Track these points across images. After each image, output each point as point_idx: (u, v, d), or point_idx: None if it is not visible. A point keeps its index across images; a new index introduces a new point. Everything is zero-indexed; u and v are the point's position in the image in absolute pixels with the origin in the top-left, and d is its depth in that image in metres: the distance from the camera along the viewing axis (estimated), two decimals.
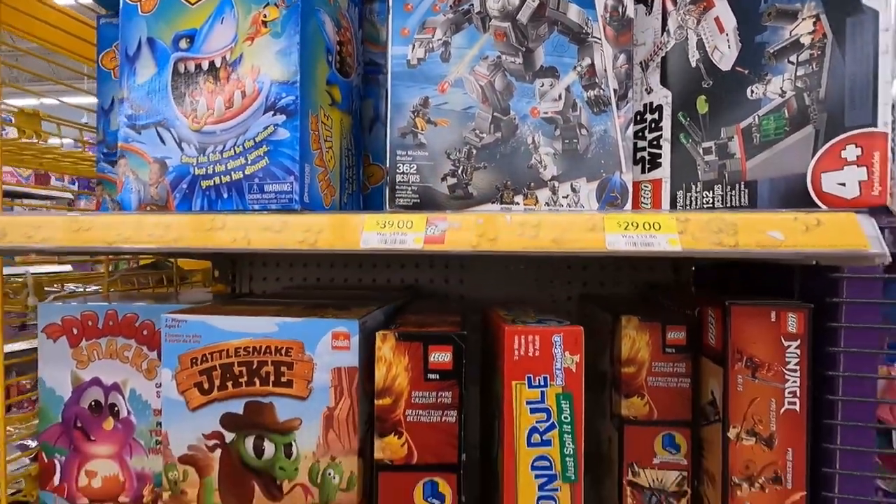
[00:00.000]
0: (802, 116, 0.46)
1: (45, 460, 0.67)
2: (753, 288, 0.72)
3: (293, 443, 0.55)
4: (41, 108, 0.78)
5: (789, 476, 0.55)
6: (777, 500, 0.55)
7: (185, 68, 0.56)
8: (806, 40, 0.46)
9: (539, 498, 0.49)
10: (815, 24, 0.45)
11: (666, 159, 0.56)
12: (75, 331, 0.67)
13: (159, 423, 0.66)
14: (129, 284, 0.93)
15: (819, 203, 0.45)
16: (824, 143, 0.45)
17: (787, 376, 0.54)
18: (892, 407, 0.62)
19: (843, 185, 0.44)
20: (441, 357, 0.50)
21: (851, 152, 0.43)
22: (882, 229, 0.42)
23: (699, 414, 0.61)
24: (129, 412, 0.66)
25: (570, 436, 0.49)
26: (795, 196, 0.46)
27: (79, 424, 0.67)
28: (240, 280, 1.04)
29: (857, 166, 0.43)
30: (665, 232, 0.44)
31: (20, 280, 0.72)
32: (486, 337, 0.64)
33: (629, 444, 0.62)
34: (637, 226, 0.45)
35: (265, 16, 0.54)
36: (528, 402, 0.49)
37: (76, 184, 1.92)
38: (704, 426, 0.61)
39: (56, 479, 0.67)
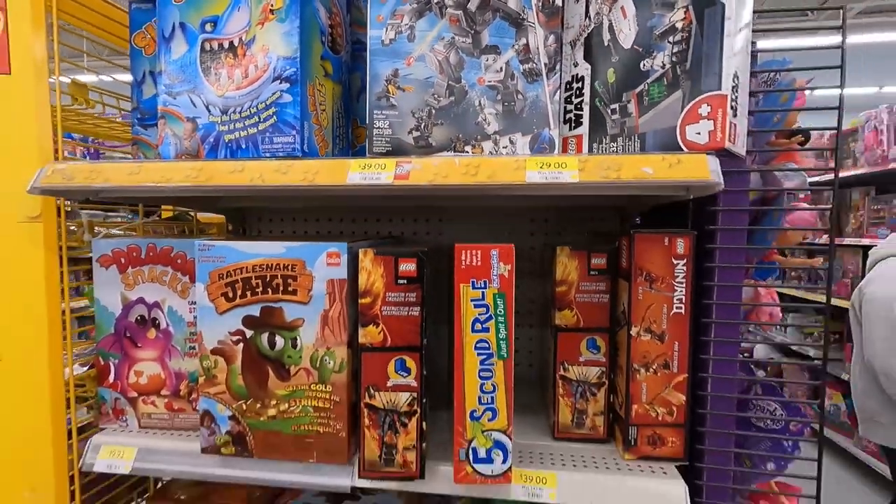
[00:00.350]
0: (675, 83, 0.61)
1: (102, 363, 0.85)
2: (667, 226, 0.88)
3: (298, 337, 0.72)
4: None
5: (675, 363, 0.72)
6: (665, 381, 0.72)
7: (210, 47, 0.71)
8: (679, 25, 0.61)
9: (480, 371, 0.66)
10: (685, 12, 0.60)
11: (586, 119, 0.72)
12: (123, 260, 0.83)
13: (192, 333, 0.83)
14: (157, 234, 1.09)
15: (684, 148, 0.61)
16: (688, 104, 0.60)
17: (675, 287, 0.71)
18: (759, 311, 0.78)
19: (699, 133, 0.59)
20: (407, 267, 0.67)
21: (705, 110, 0.59)
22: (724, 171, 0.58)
23: (614, 321, 0.78)
24: (167, 324, 0.84)
25: (503, 325, 0.65)
26: (670, 143, 0.62)
27: (128, 334, 0.84)
28: (249, 232, 1.20)
29: (708, 120, 0.59)
30: (569, 169, 0.60)
31: (77, 220, 0.88)
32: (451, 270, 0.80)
33: (561, 347, 0.79)
34: (549, 165, 0.61)
35: (272, 5, 0.70)
36: (472, 300, 0.65)
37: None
38: (618, 331, 0.78)
39: (111, 378, 0.85)
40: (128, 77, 0.90)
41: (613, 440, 0.79)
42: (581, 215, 1.10)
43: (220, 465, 0.76)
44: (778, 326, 4.43)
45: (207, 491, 0.96)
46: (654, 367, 0.72)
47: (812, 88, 0.70)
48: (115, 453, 0.80)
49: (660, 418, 0.72)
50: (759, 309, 0.77)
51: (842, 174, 3.48)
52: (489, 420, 0.66)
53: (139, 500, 1.04)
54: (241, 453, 0.74)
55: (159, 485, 1.07)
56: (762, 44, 0.67)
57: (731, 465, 0.71)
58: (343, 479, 0.73)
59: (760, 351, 4.80)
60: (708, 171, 0.57)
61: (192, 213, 1.13)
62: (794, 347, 4.10)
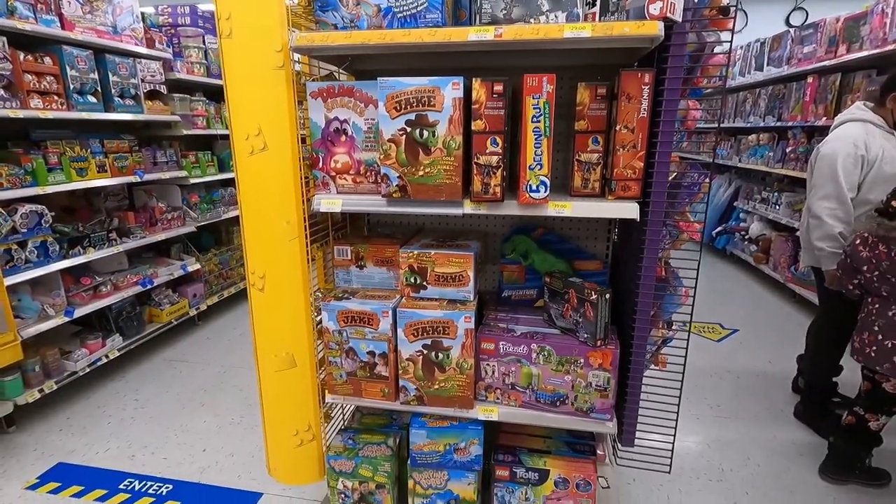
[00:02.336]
0: None
1: (314, 156, 1.49)
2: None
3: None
4: None
5: (639, 145, 1.32)
6: (633, 156, 1.33)
7: None
8: None
9: (534, 143, 1.27)
10: None
11: (598, 3, 1.26)
12: (325, 94, 1.44)
13: (368, 136, 1.46)
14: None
15: (647, 17, 1.16)
16: None
17: (642, 101, 1.29)
18: (688, 115, 1.37)
19: (655, 9, 1.14)
20: (498, 87, 1.26)
21: None
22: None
23: (609, 126, 1.37)
24: (352, 132, 1.46)
25: (548, 118, 1.26)
26: (641, 15, 1.17)
27: (329, 139, 1.48)
28: None
29: (660, 1, 1.13)
30: (587, 30, 1.17)
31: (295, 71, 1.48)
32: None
33: (577, 143, 1.40)
34: (576, 28, 1.17)
35: None
36: (532, 105, 1.25)
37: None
38: (609, 131, 1.37)
39: (319, 163, 1.50)
40: None
41: (604, 196, 1.42)
42: (593, 71, 1.65)
43: (392, 204, 1.43)
44: (771, 203, 4.96)
45: (370, 237, 1.67)
46: (627, 147, 1.33)
47: None
48: (330, 202, 1.47)
49: (628, 175, 1.35)
50: (688, 113, 1.35)
51: (846, 57, 3.79)
52: (538, 169, 1.30)
53: (337, 234, 1.75)
54: (403, 197, 1.40)
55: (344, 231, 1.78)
56: None
57: (665, 199, 1.34)
58: (458, 209, 1.39)
59: (755, 228, 5.39)
60: (657, 29, 1.13)
61: (337, 72, 1.71)
62: (783, 221, 4.66)
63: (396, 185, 1.39)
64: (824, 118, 4.06)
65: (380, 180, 1.40)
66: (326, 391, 1.64)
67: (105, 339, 3.14)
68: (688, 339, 1.44)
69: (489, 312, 1.68)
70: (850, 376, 2.41)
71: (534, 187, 1.31)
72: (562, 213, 1.35)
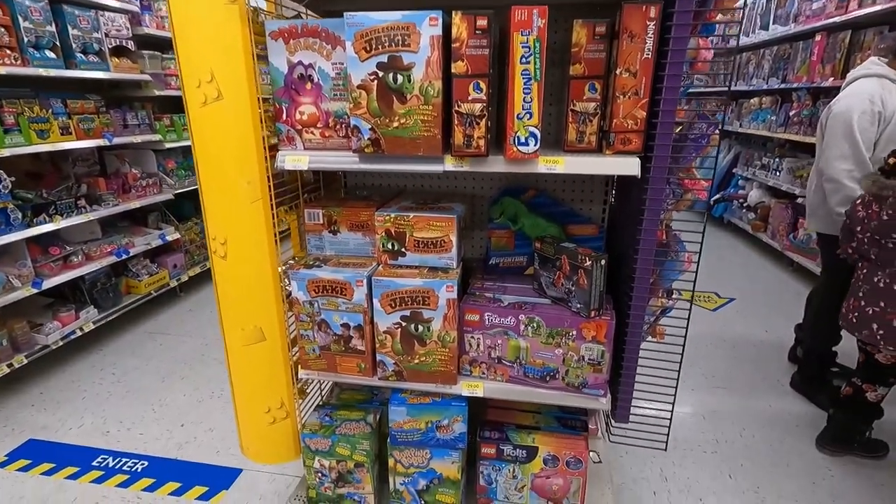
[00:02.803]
0: None
1: (277, 107, 1.33)
2: None
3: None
4: None
5: (642, 91, 1.17)
6: (635, 104, 1.17)
7: None
8: None
9: (524, 88, 1.12)
10: None
11: None
12: (286, 34, 1.26)
13: (336, 84, 1.29)
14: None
15: None
16: None
17: (646, 40, 1.13)
18: (699, 55, 1.21)
19: None
20: (482, 22, 1.09)
21: None
22: None
23: (608, 69, 1.21)
24: (318, 80, 1.29)
25: (538, 59, 1.09)
26: None
27: (293, 87, 1.31)
28: None
29: None
30: None
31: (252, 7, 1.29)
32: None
33: (572, 91, 1.23)
34: None
35: None
36: (520, 44, 1.09)
37: None
38: (608, 76, 1.21)
39: (283, 116, 1.33)
40: None
41: (601, 151, 1.27)
42: (589, 8, 1.47)
43: (364, 160, 1.28)
44: (772, 170, 4.81)
45: (346, 199, 1.52)
46: (628, 94, 1.17)
47: None
48: (295, 159, 1.32)
49: (628, 127, 1.19)
50: (698, 54, 1.19)
51: (857, 12, 3.57)
52: (528, 119, 1.14)
53: (310, 197, 1.60)
54: (376, 152, 1.24)
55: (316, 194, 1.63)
56: None
57: (669, 153, 1.20)
58: (438, 166, 1.24)
59: (754, 195, 5.26)
60: None
61: (305, 14, 1.53)
62: (783, 188, 4.53)
63: (368, 139, 1.23)
64: (832, 79, 3.87)
65: (350, 133, 1.24)
66: (300, 366, 1.52)
67: (79, 312, 3.01)
68: (689, 310, 1.32)
69: (475, 281, 1.55)
70: (849, 346, 2.33)
71: (522, 140, 1.16)
72: (553, 169, 1.20)
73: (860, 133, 2.15)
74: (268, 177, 1.35)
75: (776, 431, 2.39)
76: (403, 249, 1.40)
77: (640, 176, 1.19)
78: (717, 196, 5.95)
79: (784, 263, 4.57)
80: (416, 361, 1.40)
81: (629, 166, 1.18)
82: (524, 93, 1.12)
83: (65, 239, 3.08)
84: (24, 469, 2.15)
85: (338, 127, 1.32)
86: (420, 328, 1.36)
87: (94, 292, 3.16)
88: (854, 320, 1.96)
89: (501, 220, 1.59)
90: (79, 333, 2.99)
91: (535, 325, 1.35)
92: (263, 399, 1.56)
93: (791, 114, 4.43)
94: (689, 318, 1.32)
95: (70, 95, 2.96)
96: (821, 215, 2.43)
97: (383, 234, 1.40)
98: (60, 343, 2.86)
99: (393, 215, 1.37)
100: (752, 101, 5.33)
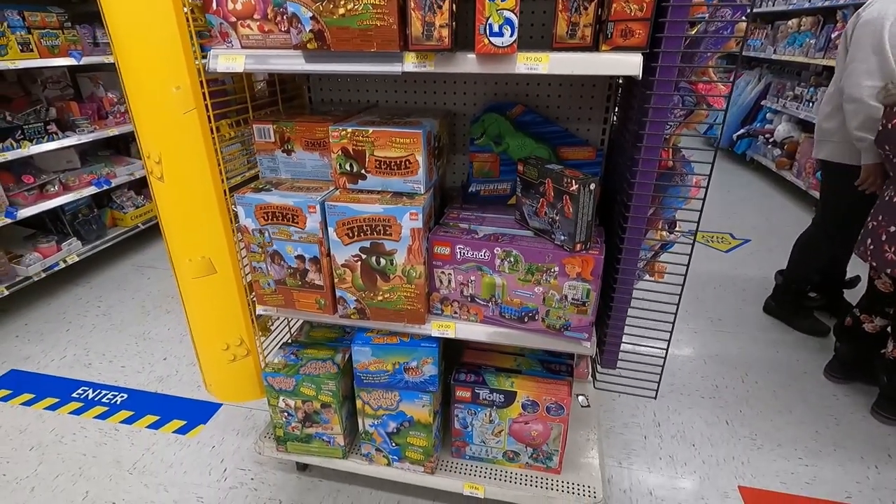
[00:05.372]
0: None
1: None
2: None
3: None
4: None
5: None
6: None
7: None
8: None
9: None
10: None
11: None
12: None
13: None
14: None
15: None
16: None
17: None
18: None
19: None
20: None
21: None
22: None
23: None
24: None
25: None
26: None
27: None
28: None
29: None
30: None
31: None
32: None
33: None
34: None
35: None
36: None
37: None
38: None
39: (214, 6, 1.10)
40: None
41: (597, 49, 1.03)
42: None
43: (310, 59, 1.06)
44: (804, 101, 4.41)
45: (301, 114, 1.31)
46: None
47: None
48: (229, 59, 1.10)
49: (632, 14, 0.95)
50: None
51: None
52: (501, 0, 0.91)
53: (266, 112, 1.41)
54: (321, 48, 1.02)
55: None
56: None
57: (681, 47, 0.96)
58: (395, 66, 1.02)
59: (782, 130, 4.87)
60: None
61: None
62: (815, 121, 4.14)
63: (311, 31, 1.01)
64: None
65: (290, 24, 1.02)
66: (257, 302, 1.39)
67: (60, 244, 2.91)
68: (692, 245, 1.13)
69: (450, 211, 1.37)
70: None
71: (495, 28, 0.93)
72: (536, 69, 0.98)
73: (891, 42, 1.83)
74: (201, 82, 1.15)
75: (781, 377, 2.26)
76: (363, 171, 1.21)
77: (640, 77, 0.96)
78: (742, 131, 5.54)
79: (807, 204, 4.28)
80: (380, 298, 1.25)
81: (628, 65, 0.95)
82: None
83: (39, 167, 2.93)
84: (5, 399, 2.12)
85: (279, 20, 1.09)
86: (382, 261, 1.20)
87: (77, 224, 3.05)
88: (858, 237, 1.90)
89: (483, 140, 1.38)
90: (62, 265, 2.91)
91: (511, 259, 1.17)
92: (220, 336, 1.44)
93: (833, 35, 3.96)
94: (690, 255, 1.13)
95: (28, 7, 2.70)
96: (835, 142, 2.17)
97: (339, 152, 1.20)
98: (43, 275, 2.79)
99: (350, 130, 1.17)
100: (790, 22, 4.80)
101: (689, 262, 1.14)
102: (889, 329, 1.97)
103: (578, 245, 1.13)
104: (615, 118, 1.44)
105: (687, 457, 1.85)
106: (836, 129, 2.13)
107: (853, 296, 2.63)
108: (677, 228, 1.24)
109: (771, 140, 5.00)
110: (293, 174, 1.34)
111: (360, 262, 1.21)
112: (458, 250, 1.20)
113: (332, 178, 1.28)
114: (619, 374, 1.30)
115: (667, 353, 1.24)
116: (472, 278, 1.23)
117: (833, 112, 2.14)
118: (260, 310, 1.40)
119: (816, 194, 4.01)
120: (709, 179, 1.07)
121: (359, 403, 1.46)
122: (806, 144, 4.32)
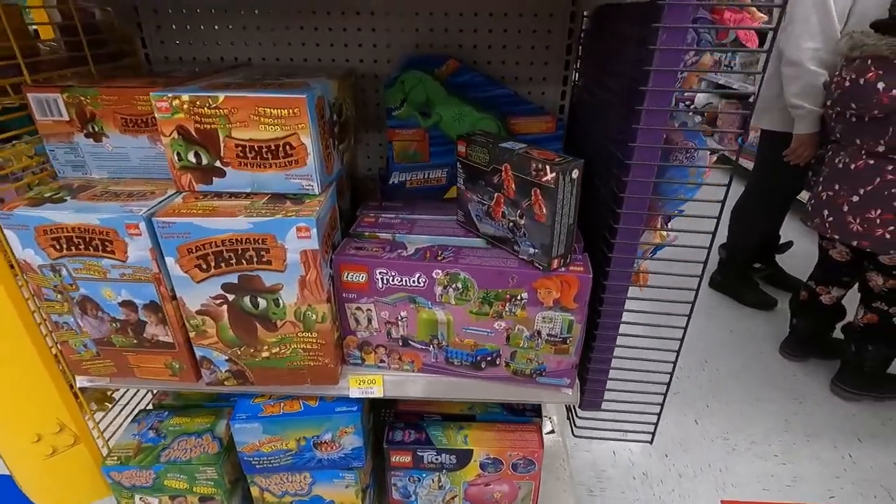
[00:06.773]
0: None
1: None
2: None
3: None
4: None
5: None
6: None
7: None
8: None
9: None
10: None
11: None
12: None
13: None
14: None
15: None
16: None
17: None
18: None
19: None
20: None
21: None
22: None
23: None
24: None
25: None
26: None
27: None
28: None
29: None
30: None
31: None
32: None
33: None
34: None
35: None
36: None
37: None
38: None
39: None
40: None
41: None
42: None
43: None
44: (723, 65, 4.40)
45: (116, 76, 0.82)
46: None
47: None
48: None
49: None
50: None
51: None
52: None
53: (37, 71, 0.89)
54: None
55: None
56: None
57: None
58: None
59: (701, 97, 4.88)
60: None
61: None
62: (735, 87, 4.13)
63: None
64: None
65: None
66: (73, 372, 0.90)
67: None
68: (709, 247, 0.82)
69: (365, 213, 0.96)
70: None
71: None
72: None
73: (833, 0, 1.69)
74: None
75: (740, 359, 2.13)
76: (218, 163, 0.76)
77: None
78: None
79: (735, 171, 4.30)
80: (266, 355, 0.82)
81: None
82: None
83: None
84: None
85: None
86: (261, 303, 0.77)
87: None
88: (809, 209, 1.78)
89: (405, 110, 0.98)
90: None
91: (459, 285, 0.79)
92: (27, 424, 0.95)
93: None
94: (706, 259, 0.82)
95: None
96: (775, 110, 2.03)
97: (175, 134, 0.74)
98: None
99: (187, 97, 0.71)
100: None
101: (703, 271, 0.83)
102: (856, 298, 1.87)
103: (556, 261, 0.77)
104: (578, 75, 1.09)
105: (661, 472, 1.62)
106: (777, 95, 1.97)
107: (793, 268, 2.58)
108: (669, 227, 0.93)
109: (691, 107, 5.00)
110: (110, 172, 0.86)
111: (226, 306, 0.77)
112: (378, 277, 0.80)
113: (173, 176, 0.81)
114: (601, 419, 0.99)
115: (668, 388, 0.94)
116: (403, 314, 0.84)
117: (772, 77, 1.98)
118: (83, 381, 0.92)
119: (743, 162, 4.02)
120: (738, 153, 0.75)
121: (255, 491, 1.04)
122: (727, 110, 4.32)
